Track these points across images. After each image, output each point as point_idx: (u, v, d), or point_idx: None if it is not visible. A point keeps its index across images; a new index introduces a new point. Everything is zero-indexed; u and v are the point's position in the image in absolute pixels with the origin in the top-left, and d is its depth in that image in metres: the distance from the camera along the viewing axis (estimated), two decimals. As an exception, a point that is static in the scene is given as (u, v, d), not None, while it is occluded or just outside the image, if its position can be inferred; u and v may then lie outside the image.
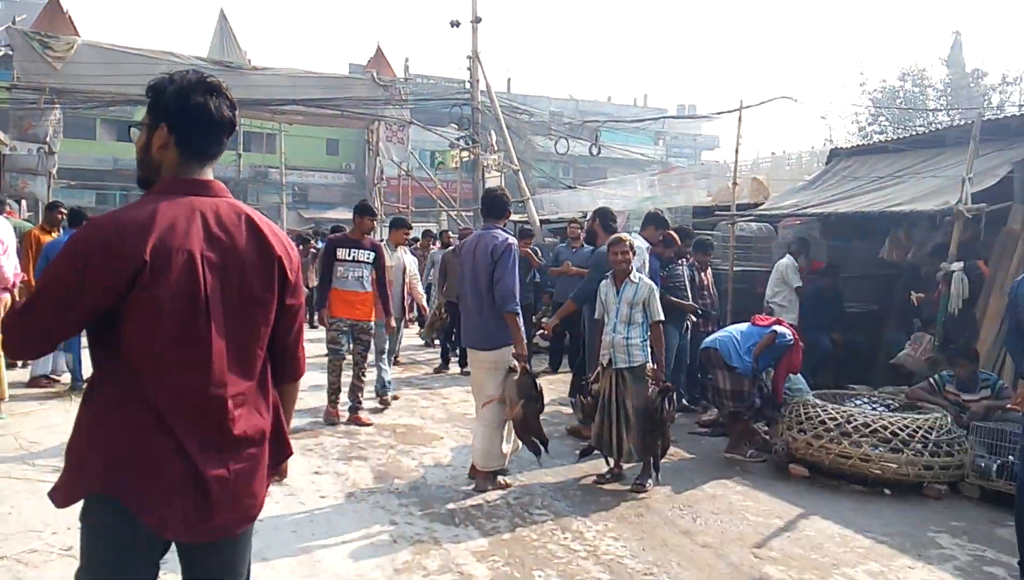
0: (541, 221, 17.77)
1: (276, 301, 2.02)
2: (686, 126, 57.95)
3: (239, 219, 1.98)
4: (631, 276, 5.81)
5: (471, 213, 22.14)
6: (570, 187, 22.55)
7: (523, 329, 5.65)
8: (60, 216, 8.69)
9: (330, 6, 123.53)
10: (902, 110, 30.40)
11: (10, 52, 19.46)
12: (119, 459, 1.84)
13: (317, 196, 46.65)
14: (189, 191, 1.95)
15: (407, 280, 8.97)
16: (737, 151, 9.01)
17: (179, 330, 1.84)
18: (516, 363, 5.48)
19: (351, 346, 7.65)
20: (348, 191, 47.23)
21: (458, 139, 21.72)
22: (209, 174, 2.04)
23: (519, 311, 5.51)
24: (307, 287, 12.13)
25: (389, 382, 8.30)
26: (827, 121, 52.13)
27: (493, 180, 22.54)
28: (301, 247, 13.89)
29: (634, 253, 5.91)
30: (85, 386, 2.07)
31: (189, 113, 1.95)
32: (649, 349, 5.80)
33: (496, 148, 20.68)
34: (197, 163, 2.00)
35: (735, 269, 8.99)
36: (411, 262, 9.17)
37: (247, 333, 1.98)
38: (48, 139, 18.03)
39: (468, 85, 21.41)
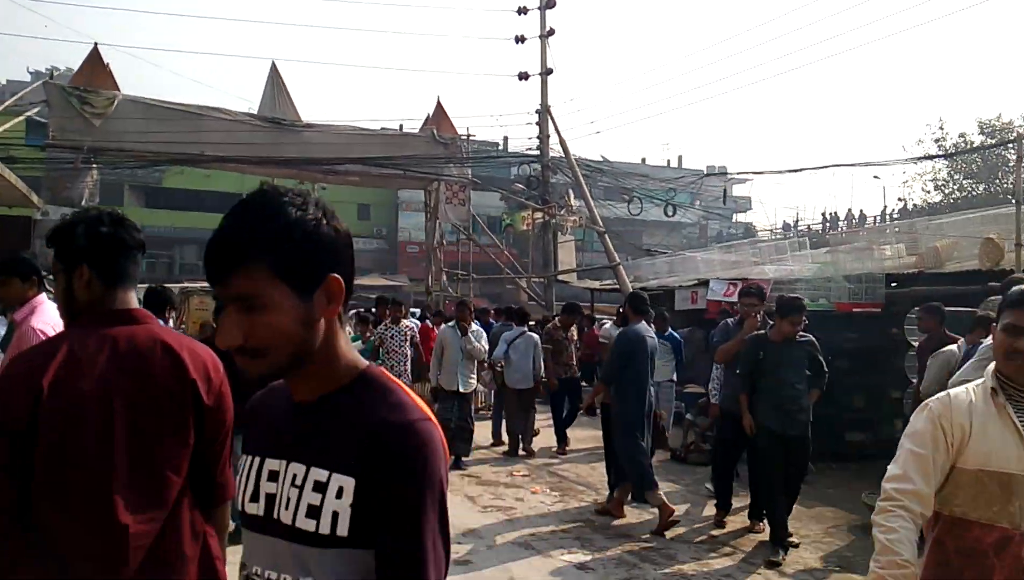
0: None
1: (192, 426, 1.95)
2: (718, 188, 56.38)
3: (154, 345, 1.93)
4: None
5: (543, 281, 20.16)
6: (648, 251, 20.45)
7: None
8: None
9: (386, 56, 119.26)
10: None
11: (38, 118, 17.99)
12: None
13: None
14: (107, 321, 1.95)
15: None
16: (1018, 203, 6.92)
17: (79, 462, 1.81)
18: None
19: None
20: (379, 257, 45.60)
21: (527, 199, 19.86)
22: (132, 301, 2.03)
23: None
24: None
25: None
26: (881, 181, 50.19)
27: (567, 245, 20.65)
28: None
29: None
30: None
31: (105, 245, 1.98)
32: None
33: (575, 205, 18.77)
34: (120, 289, 2.00)
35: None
36: None
37: (158, 459, 1.91)
38: (84, 203, 16.19)
39: (538, 140, 19.65)
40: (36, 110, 16.45)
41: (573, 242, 20.68)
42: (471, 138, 21.16)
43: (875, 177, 51.21)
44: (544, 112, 19.43)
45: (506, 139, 36.16)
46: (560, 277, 19.81)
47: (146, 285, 7.72)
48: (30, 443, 1.76)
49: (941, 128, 29.19)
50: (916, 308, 7.19)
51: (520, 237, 27.90)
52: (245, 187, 39.34)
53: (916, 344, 7.17)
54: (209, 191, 39.48)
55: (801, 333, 6.07)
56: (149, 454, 1.88)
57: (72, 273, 1.97)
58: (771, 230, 49.03)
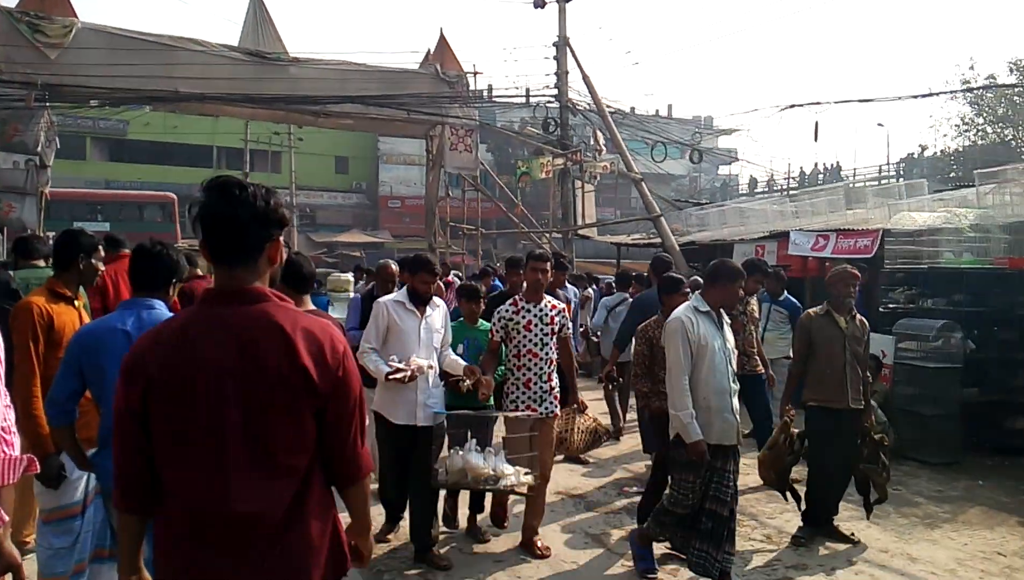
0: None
1: (308, 412, 1.85)
2: (705, 140, 54.46)
3: (266, 327, 1.83)
4: None
5: (560, 236, 18.18)
6: (697, 204, 18.42)
7: None
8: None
9: None
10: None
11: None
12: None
13: (327, 218, 42.65)
14: (217, 301, 1.87)
15: None
16: None
17: (190, 447, 1.80)
18: None
19: None
20: (360, 212, 43.51)
21: (545, 143, 17.76)
22: (248, 280, 1.88)
23: None
24: None
25: None
26: (885, 129, 48.33)
27: (587, 196, 18.65)
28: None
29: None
30: None
31: (200, 216, 1.87)
32: None
33: (603, 150, 16.75)
34: (226, 267, 1.87)
35: None
36: None
37: (275, 445, 1.83)
38: (40, 149, 13.87)
39: (556, 77, 17.50)
40: (-23, 38, 13.88)
41: (594, 193, 18.69)
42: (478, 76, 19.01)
43: (879, 124, 48.22)
44: (563, 44, 17.27)
45: (490, 87, 33.82)
46: (581, 231, 17.86)
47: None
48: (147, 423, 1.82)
49: (972, 68, 27.15)
50: None
51: (521, 189, 25.86)
52: (216, 139, 37.14)
53: None
54: (177, 144, 37.05)
55: None
56: (265, 440, 1.81)
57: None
58: (767, 181, 47.53)
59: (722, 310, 4.32)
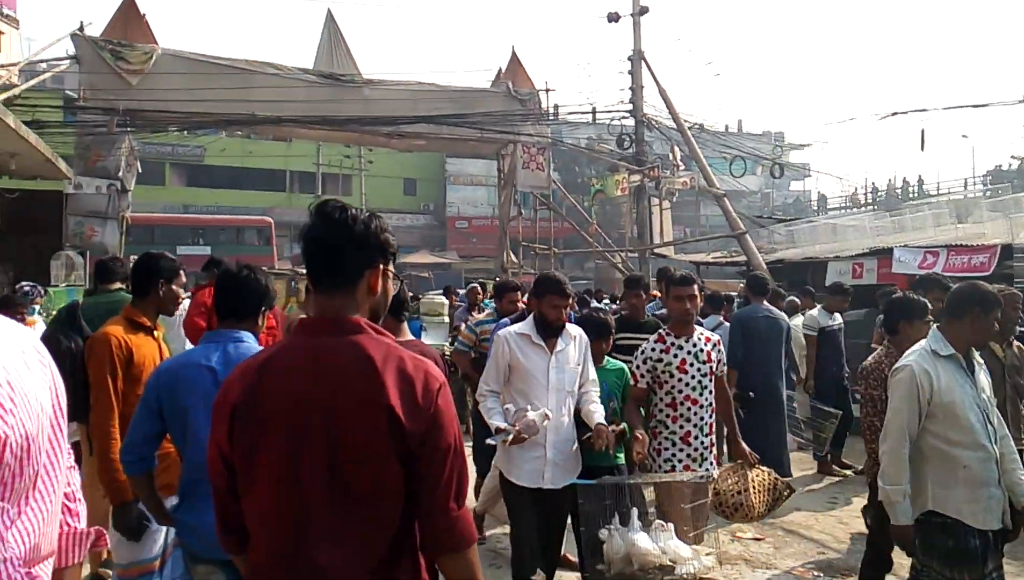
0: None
1: (391, 452, 1.63)
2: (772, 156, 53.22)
3: (354, 361, 1.67)
4: None
5: (636, 255, 17.68)
6: (782, 220, 17.78)
7: None
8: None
9: (452, 7, 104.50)
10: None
11: (72, 93, 15.77)
12: None
13: (396, 239, 42.86)
14: (310, 331, 1.75)
15: None
16: None
17: (270, 485, 1.66)
18: None
19: None
20: (428, 233, 43.79)
21: (619, 160, 17.33)
22: (344, 309, 1.73)
23: None
24: None
25: None
26: (970, 141, 46.53)
27: (665, 212, 18.14)
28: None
29: None
30: None
31: (302, 241, 1.78)
32: None
33: (682, 166, 16.23)
34: (323, 294, 1.75)
35: None
36: None
37: (355, 488, 1.64)
38: (121, 174, 14.08)
39: (631, 91, 17.08)
40: (65, 66, 14.25)
41: (670, 210, 18.16)
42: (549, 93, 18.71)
43: (963, 136, 45.89)
44: (638, 57, 16.85)
45: (556, 107, 33.55)
46: (657, 250, 17.33)
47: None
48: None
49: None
50: None
51: (591, 208, 25.46)
52: (290, 163, 37.84)
53: None
54: (252, 168, 37.91)
55: None
56: (348, 481, 1.64)
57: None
58: (850, 197, 46.12)
59: (973, 350, 3.31)
